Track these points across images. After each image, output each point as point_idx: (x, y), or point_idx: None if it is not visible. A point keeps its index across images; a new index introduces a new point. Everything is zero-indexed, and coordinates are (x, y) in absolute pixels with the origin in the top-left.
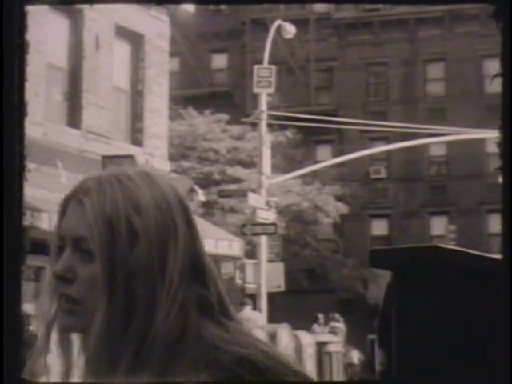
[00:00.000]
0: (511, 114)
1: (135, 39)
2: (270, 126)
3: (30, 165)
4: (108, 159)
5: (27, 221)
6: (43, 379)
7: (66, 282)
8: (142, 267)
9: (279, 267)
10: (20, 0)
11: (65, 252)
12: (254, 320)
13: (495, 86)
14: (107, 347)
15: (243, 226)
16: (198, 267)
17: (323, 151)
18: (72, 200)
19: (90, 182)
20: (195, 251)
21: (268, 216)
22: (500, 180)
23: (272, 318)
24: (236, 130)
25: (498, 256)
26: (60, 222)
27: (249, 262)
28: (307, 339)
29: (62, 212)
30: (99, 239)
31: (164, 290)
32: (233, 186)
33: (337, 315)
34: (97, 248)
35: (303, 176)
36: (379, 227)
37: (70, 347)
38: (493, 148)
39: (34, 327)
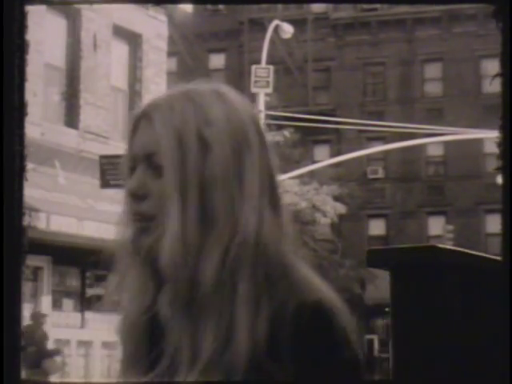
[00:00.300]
0: (511, 113)
1: (133, 39)
2: (267, 125)
3: (28, 165)
4: (105, 159)
5: (25, 221)
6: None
7: (139, 200)
8: (216, 176)
9: None
10: (20, 0)
11: (137, 170)
12: None
13: (493, 86)
14: (181, 257)
15: None
16: (272, 184)
17: (321, 151)
18: (142, 118)
19: (159, 100)
20: (269, 167)
21: None
22: (498, 180)
23: None
24: None
25: (496, 256)
26: (131, 142)
27: None
28: None
29: (133, 132)
30: (169, 152)
31: (244, 200)
32: None
33: None
34: (167, 161)
35: (301, 176)
36: (377, 227)
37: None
38: (490, 148)
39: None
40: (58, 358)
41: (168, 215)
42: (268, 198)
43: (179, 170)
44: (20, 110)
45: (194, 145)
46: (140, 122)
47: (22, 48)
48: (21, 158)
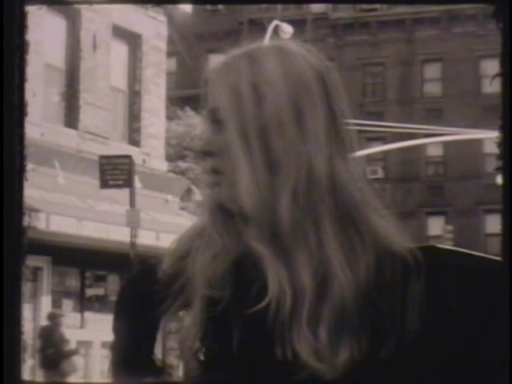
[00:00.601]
0: (511, 114)
1: (132, 39)
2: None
3: (28, 165)
4: (105, 159)
5: (24, 221)
6: None
7: (209, 156)
8: (271, 121)
9: None
10: (20, 0)
11: (206, 129)
12: None
13: (492, 87)
14: (259, 199)
15: None
16: (340, 135)
17: None
18: (207, 82)
19: (221, 61)
20: (335, 117)
21: None
22: (498, 180)
23: None
24: None
25: (496, 256)
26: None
27: None
28: None
29: (206, 95)
30: (226, 105)
31: (306, 141)
32: None
33: None
34: (225, 114)
35: None
36: None
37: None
38: (490, 148)
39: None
40: (75, 359)
41: (236, 164)
42: (336, 146)
43: (237, 121)
44: (20, 109)
45: (249, 95)
46: (208, 84)
47: (21, 48)
48: (21, 158)
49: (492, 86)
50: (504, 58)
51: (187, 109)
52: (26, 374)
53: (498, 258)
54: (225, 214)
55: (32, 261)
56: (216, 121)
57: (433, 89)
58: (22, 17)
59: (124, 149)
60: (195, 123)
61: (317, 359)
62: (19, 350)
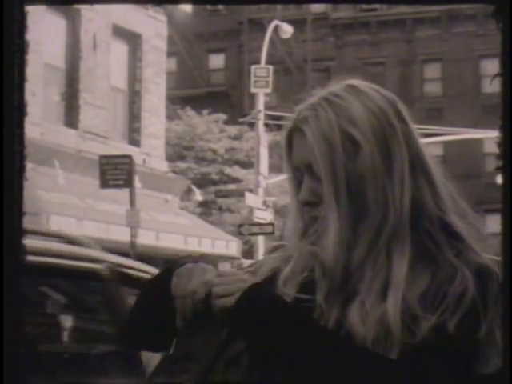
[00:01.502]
0: (511, 113)
1: (132, 39)
2: (267, 125)
3: (27, 165)
4: (105, 159)
5: (24, 221)
6: None
7: (313, 206)
8: (366, 172)
9: None
10: (20, 0)
11: (305, 180)
12: None
13: (492, 86)
14: (340, 252)
15: (240, 225)
16: (419, 163)
17: None
18: (294, 132)
19: (304, 111)
20: (414, 147)
21: (265, 216)
22: (498, 180)
23: None
24: (233, 130)
25: (496, 256)
26: (289, 153)
27: (246, 262)
28: None
29: (288, 145)
30: (321, 160)
31: (395, 186)
32: (230, 186)
33: None
34: (320, 168)
35: None
36: None
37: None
38: (490, 148)
39: None
40: None
41: (327, 216)
42: (420, 172)
43: (331, 174)
44: (20, 109)
45: (342, 146)
46: (293, 135)
47: (21, 48)
48: (21, 158)
49: (492, 86)
50: (504, 58)
51: (187, 108)
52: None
53: (499, 258)
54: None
55: None
56: (314, 173)
57: (433, 88)
58: (22, 17)
59: (124, 149)
60: (195, 123)
61: None
62: (20, 351)
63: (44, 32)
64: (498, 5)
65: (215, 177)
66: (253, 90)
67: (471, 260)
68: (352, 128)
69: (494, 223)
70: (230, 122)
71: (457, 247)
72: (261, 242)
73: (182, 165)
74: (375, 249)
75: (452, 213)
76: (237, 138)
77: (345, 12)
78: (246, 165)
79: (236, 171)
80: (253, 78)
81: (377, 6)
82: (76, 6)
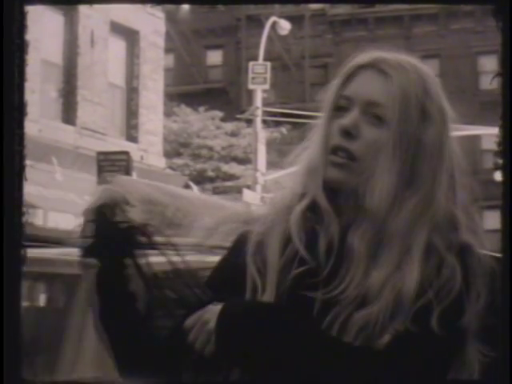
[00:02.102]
0: (511, 113)
1: (130, 36)
2: (264, 122)
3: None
4: (103, 155)
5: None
6: None
7: (350, 138)
8: (429, 148)
9: None
10: (20, 0)
11: (352, 111)
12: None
13: (490, 83)
14: (386, 203)
15: None
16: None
17: None
18: (369, 68)
19: (387, 59)
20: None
21: (261, 212)
22: (496, 177)
23: None
24: (230, 126)
25: (494, 253)
26: (347, 83)
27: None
28: None
29: (350, 75)
30: (397, 110)
31: (443, 172)
32: (228, 183)
33: None
34: (393, 117)
35: None
36: None
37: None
38: (488, 145)
39: None
40: None
41: (380, 164)
42: (451, 175)
43: (401, 130)
44: (20, 109)
45: (417, 112)
46: (362, 70)
47: (21, 48)
48: (20, 158)
49: (490, 83)
50: (504, 58)
51: (183, 106)
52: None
53: (497, 255)
54: (332, 195)
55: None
56: (372, 113)
57: None
58: (22, 17)
59: (122, 145)
60: (192, 120)
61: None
62: (20, 350)
63: (42, 29)
64: (497, 5)
65: (211, 173)
66: (250, 86)
67: (455, 241)
68: (429, 101)
69: (491, 220)
70: (228, 118)
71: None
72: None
73: (179, 161)
74: (414, 224)
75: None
76: (234, 134)
77: (342, 8)
78: (243, 161)
79: (233, 168)
80: (250, 75)
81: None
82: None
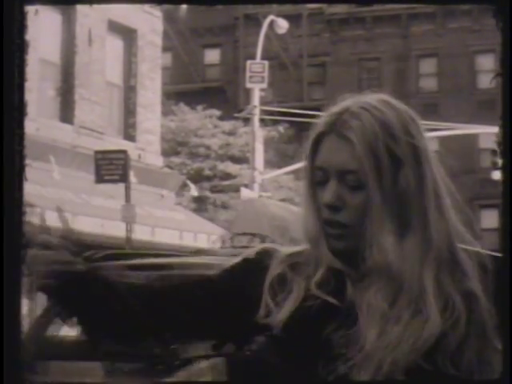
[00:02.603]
0: (511, 112)
1: (128, 34)
2: (262, 121)
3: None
4: (100, 154)
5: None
6: None
7: (336, 210)
8: (409, 189)
9: None
10: (20, 0)
11: (330, 183)
12: None
13: (488, 82)
14: (391, 259)
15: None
16: (438, 187)
17: None
18: (331, 134)
19: (345, 116)
20: (434, 168)
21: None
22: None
23: None
24: (227, 125)
25: (491, 251)
26: (315, 155)
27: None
28: None
29: (316, 145)
30: (368, 172)
31: (430, 205)
32: (225, 182)
33: None
34: (367, 179)
35: (296, 171)
36: None
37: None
38: (485, 143)
39: None
40: None
41: (373, 223)
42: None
43: (379, 187)
44: (20, 109)
45: (387, 161)
46: (325, 137)
47: (21, 48)
48: (20, 158)
49: (487, 82)
50: (504, 58)
51: (181, 104)
52: None
53: (495, 254)
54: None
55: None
56: (349, 181)
57: (428, 84)
58: (22, 17)
59: (119, 144)
60: (189, 118)
61: None
62: (19, 349)
63: (39, 27)
64: (498, 5)
65: (209, 172)
66: (248, 85)
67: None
68: (394, 144)
69: (488, 219)
70: (225, 117)
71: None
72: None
73: (177, 160)
74: (424, 266)
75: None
76: (231, 133)
77: (340, 7)
78: (241, 160)
79: (229, 167)
80: (248, 74)
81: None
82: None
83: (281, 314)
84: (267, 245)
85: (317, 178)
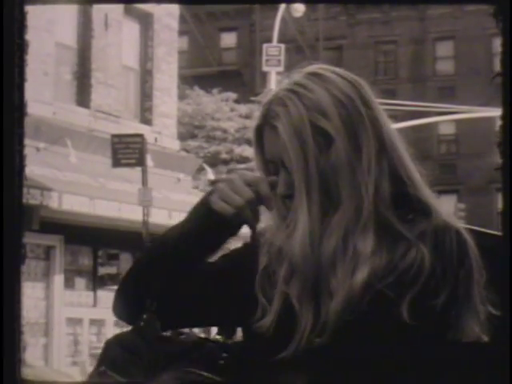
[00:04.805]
0: (511, 113)
1: (144, 18)
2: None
3: (40, 144)
4: (117, 138)
5: (37, 200)
6: None
7: (291, 198)
8: (340, 166)
9: None
10: (20, 0)
11: (280, 174)
12: None
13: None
14: (310, 248)
15: None
16: (386, 147)
17: None
18: (265, 126)
19: (274, 106)
20: (380, 132)
21: None
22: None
23: None
24: (244, 108)
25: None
26: (259, 148)
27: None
28: None
29: (259, 139)
30: (293, 156)
31: (364, 176)
32: (241, 165)
33: None
34: (292, 164)
35: None
36: None
37: None
38: None
39: None
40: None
41: (296, 212)
42: (387, 155)
43: (302, 170)
44: (20, 109)
45: (313, 141)
46: (264, 129)
47: (21, 48)
48: (20, 158)
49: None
50: (504, 58)
51: (196, 88)
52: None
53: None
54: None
55: (44, 239)
56: (287, 167)
57: (445, 67)
58: (22, 17)
59: (136, 127)
60: (205, 102)
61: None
62: (19, 348)
63: (56, 11)
64: (498, 5)
65: (225, 156)
66: (264, 68)
67: (431, 222)
68: (323, 121)
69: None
70: (242, 100)
71: (421, 218)
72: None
73: (193, 143)
74: (348, 240)
75: (425, 188)
76: (248, 116)
77: None
78: None
79: (246, 150)
80: (264, 57)
81: None
82: None
83: (268, 317)
84: (263, 227)
85: (271, 171)
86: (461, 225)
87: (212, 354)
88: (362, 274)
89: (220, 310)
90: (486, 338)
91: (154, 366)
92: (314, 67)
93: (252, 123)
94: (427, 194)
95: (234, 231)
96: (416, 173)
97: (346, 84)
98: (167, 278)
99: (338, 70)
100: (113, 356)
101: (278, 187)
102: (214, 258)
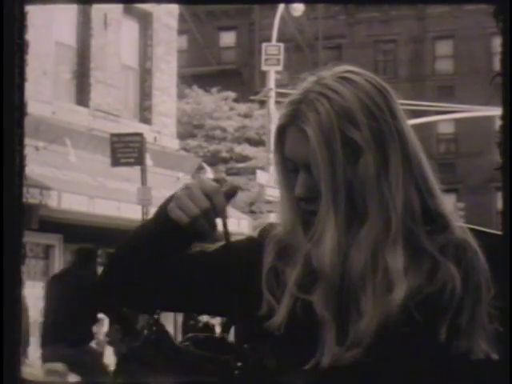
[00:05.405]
0: (511, 113)
1: (143, 17)
2: (278, 103)
3: (39, 143)
4: (116, 137)
5: (36, 199)
6: None
7: (308, 201)
8: (369, 178)
9: None
10: (20, 0)
11: (300, 175)
12: None
13: (490, 84)
14: (337, 256)
15: (252, 203)
16: (410, 159)
17: None
18: (291, 127)
19: (303, 108)
20: (406, 144)
21: (276, 194)
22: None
23: None
24: (243, 107)
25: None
26: (281, 147)
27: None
28: None
29: (281, 135)
30: (322, 166)
31: (392, 190)
32: (241, 164)
33: None
34: (321, 175)
35: None
36: None
37: None
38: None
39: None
40: None
41: (323, 223)
42: (412, 168)
43: (330, 180)
44: (20, 109)
45: (342, 152)
46: (288, 129)
47: (21, 48)
48: (20, 158)
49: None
50: (504, 58)
51: (195, 87)
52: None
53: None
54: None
55: (44, 239)
56: (310, 171)
57: (444, 66)
58: (22, 17)
59: (135, 127)
60: (204, 101)
61: None
62: (19, 346)
63: (55, 10)
64: (498, 5)
65: (225, 155)
66: (264, 67)
67: (450, 237)
68: (354, 131)
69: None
70: (241, 99)
71: (439, 231)
72: (272, 220)
73: (193, 143)
74: (377, 255)
75: (444, 201)
76: (247, 115)
77: None
78: (257, 143)
79: (246, 149)
80: (264, 56)
81: None
82: None
83: (278, 317)
84: (267, 224)
85: (289, 167)
86: (475, 243)
87: (227, 365)
88: (399, 293)
89: (210, 298)
90: (495, 356)
91: (170, 379)
92: (344, 69)
93: (277, 120)
94: (446, 207)
95: (190, 239)
96: (436, 185)
97: (376, 93)
98: (149, 266)
99: (367, 74)
100: (131, 370)
101: (295, 189)
102: (214, 246)
